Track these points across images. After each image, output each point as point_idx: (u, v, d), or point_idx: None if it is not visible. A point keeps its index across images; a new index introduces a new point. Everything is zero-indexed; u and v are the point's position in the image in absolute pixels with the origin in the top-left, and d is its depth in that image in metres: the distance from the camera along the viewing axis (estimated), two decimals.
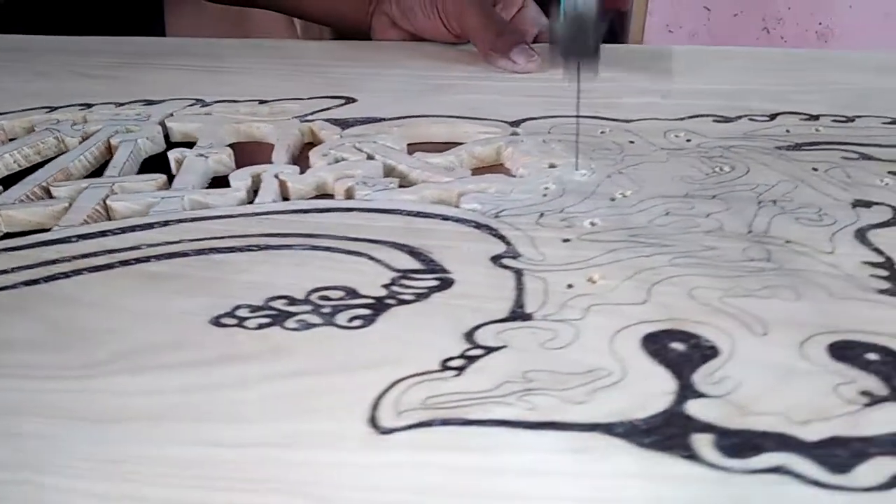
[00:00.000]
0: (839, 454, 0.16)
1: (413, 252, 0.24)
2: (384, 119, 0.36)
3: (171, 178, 0.31)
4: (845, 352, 0.19)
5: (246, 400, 0.18)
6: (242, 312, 0.21)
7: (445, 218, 0.26)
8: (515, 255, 0.24)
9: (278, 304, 0.22)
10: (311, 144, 0.35)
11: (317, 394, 0.18)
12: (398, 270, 0.23)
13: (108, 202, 0.29)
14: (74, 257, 0.25)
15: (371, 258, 0.24)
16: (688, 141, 0.33)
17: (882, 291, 0.22)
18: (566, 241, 0.25)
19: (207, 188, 0.31)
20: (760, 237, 0.24)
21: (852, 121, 0.35)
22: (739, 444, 0.16)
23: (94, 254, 0.25)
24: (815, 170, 0.29)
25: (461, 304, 0.21)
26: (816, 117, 0.35)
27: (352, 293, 0.22)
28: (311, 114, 0.37)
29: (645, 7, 1.38)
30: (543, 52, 0.42)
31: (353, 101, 0.39)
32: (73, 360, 0.19)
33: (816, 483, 0.15)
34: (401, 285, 0.22)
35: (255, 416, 0.18)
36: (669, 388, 0.18)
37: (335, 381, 0.19)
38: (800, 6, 1.42)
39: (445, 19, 0.43)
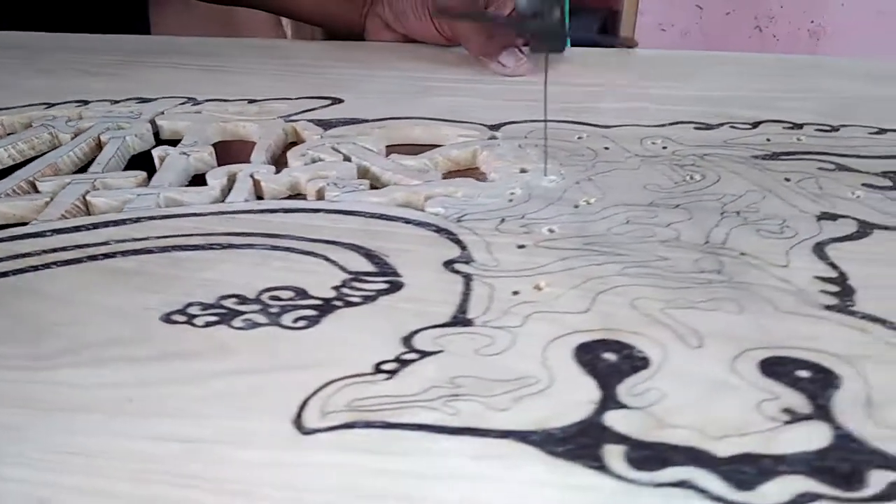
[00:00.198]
0: (747, 471, 0.16)
1: (369, 255, 0.25)
2: (367, 120, 0.36)
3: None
4: (776, 368, 0.19)
5: (183, 396, 0.19)
6: (194, 310, 0.22)
7: (407, 221, 0.27)
8: (468, 261, 0.24)
9: (229, 303, 0.22)
10: (294, 144, 0.36)
11: (252, 393, 0.19)
12: (351, 273, 0.24)
13: (87, 198, 0.30)
14: (46, 251, 0.25)
15: (327, 259, 0.24)
16: (664, 148, 0.32)
17: (828, 307, 0.21)
18: (521, 247, 0.25)
19: (189, 186, 0.32)
20: (716, 248, 0.24)
21: (837, 130, 0.34)
22: (650, 456, 0.16)
23: (65, 248, 0.26)
24: (787, 180, 0.29)
25: (406, 308, 0.22)
26: (800, 126, 0.35)
27: (301, 294, 0.23)
28: (298, 114, 0.38)
29: (636, 6, 1.37)
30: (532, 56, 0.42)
31: (340, 101, 0.39)
32: (25, 352, 0.20)
33: (719, 499, 0.15)
34: (351, 287, 0.23)
35: (188, 413, 0.18)
36: (593, 398, 0.18)
37: (271, 381, 0.19)
38: (792, 4, 1.40)
39: (437, 22, 0.44)
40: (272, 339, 0.21)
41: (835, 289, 0.22)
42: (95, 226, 0.27)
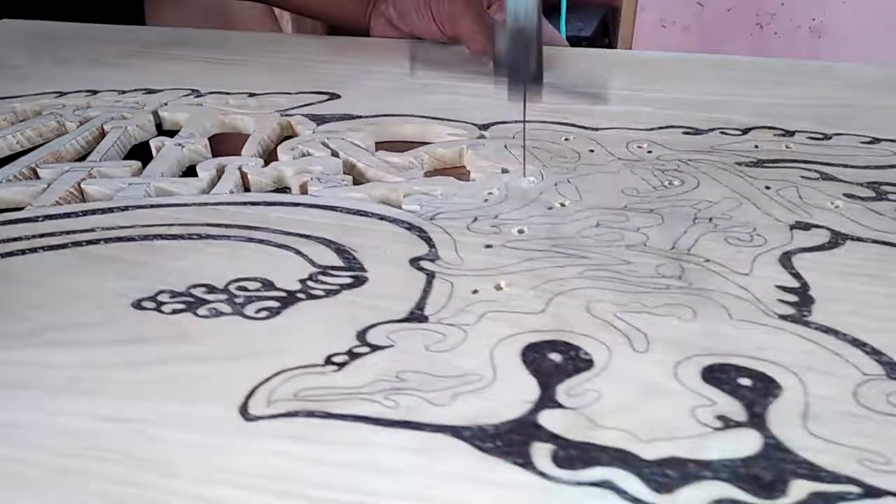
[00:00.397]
0: (670, 475, 0.16)
1: (339, 249, 0.25)
2: (360, 116, 0.37)
3: None
4: (718, 375, 0.19)
5: (130, 380, 0.19)
6: (163, 297, 0.23)
7: (382, 218, 0.27)
8: (434, 259, 0.25)
9: (198, 292, 0.23)
10: (289, 138, 0.36)
11: (207, 379, 0.20)
12: (319, 266, 0.24)
13: (82, 185, 0.31)
14: (34, 236, 0.27)
15: (298, 253, 0.25)
16: (649, 152, 0.32)
17: (784, 317, 0.21)
18: (488, 247, 0.25)
19: (182, 176, 0.33)
20: (680, 254, 0.25)
21: (829, 138, 0.34)
22: (576, 456, 0.17)
23: (53, 234, 0.27)
24: (767, 188, 0.29)
25: (365, 303, 0.22)
26: (791, 133, 0.34)
27: (268, 285, 0.23)
28: (295, 108, 0.39)
29: (635, 2, 1.35)
30: None
31: (338, 97, 0.40)
32: None
33: (636, 500, 0.16)
34: (316, 281, 0.24)
35: (144, 396, 0.19)
36: (531, 397, 0.18)
37: (224, 369, 0.20)
38: (793, 1, 1.37)
39: (438, 21, 0.44)
40: (233, 328, 0.21)
41: (793, 299, 0.22)
42: (85, 213, 0.28)
